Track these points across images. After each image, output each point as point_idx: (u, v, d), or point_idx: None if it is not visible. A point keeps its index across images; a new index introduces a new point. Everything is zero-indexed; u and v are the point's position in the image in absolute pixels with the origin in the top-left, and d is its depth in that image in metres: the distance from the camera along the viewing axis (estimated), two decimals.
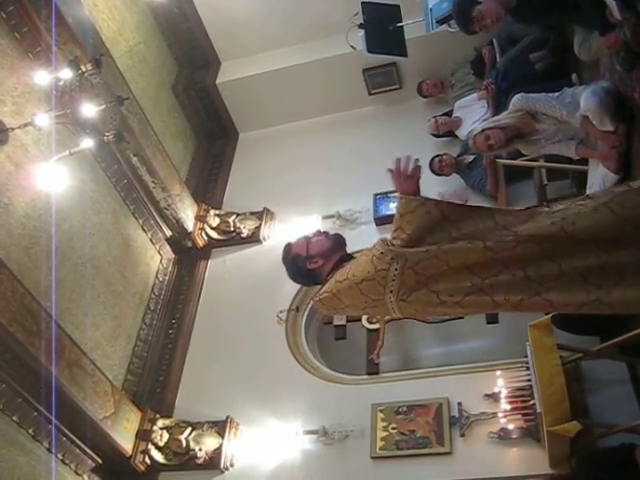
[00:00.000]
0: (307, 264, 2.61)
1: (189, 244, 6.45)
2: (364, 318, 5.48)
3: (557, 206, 2.19)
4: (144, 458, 4.85)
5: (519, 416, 4.37)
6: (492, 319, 5.16)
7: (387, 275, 2.20)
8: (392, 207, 6.08)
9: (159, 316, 5.98)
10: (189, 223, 6.35)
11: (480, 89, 5.95)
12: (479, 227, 2.24)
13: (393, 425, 4.69)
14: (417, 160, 2.41)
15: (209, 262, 6.44)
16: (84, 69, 4.81)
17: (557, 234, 2.10)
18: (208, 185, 7.25)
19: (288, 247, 2.79)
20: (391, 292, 2.22)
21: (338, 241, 2.59)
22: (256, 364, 5.37)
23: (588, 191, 4.20)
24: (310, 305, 5.86)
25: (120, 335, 5.47)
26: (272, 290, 5.83)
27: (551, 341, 4.03)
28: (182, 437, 4.91)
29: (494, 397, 4.55)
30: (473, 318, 5.24)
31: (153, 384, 5.54)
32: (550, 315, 4.08)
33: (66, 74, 4.74)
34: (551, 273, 2.10)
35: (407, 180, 2.39)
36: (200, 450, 4.87)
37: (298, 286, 5.84)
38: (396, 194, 2.47)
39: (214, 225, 6.47)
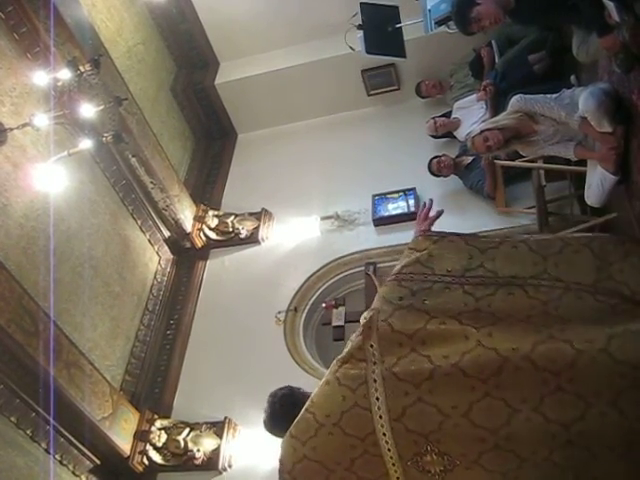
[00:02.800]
0: (301, 390, 2.19)
1: (187, 245, 6.45)
2: (362, 318, 5.45)
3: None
4: (142, 459, 4.85)
5: None
6: None
7: (363, 345, 1.79)
8: (390, 208, 6.09)
9: (157, 317, 5.97)
10: (187, 224, 6.34)
11: (479, 90, 5.96)
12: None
13: None
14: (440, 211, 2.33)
15: (207, 263, 6.44)
16: (83, 69, 4.80)
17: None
18: (207, 186, 7.25)
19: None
20: (380, 417, 1.74)
21: None
22: (254, 365, 5.36)
23: (586, 192, 4.21)
24: (309, 306, 5.86)
25: (118, 336, 5.46)
26: (270, 291, 5.84)
27: None
28: (180, 438, 4.90)
29: None
30: None
31: (151, 385, 5.54)
32: None
33: (65, 74, 4.73)
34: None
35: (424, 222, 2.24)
36: (198, 451, 4.87)
37: (296, 287, 5.86)
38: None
39: (212, 226, 6.47)
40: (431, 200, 2.38)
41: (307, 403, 1.90)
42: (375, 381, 1.74)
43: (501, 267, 1.89)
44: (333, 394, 1.80)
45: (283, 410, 2.09)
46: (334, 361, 1.83)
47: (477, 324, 1.73)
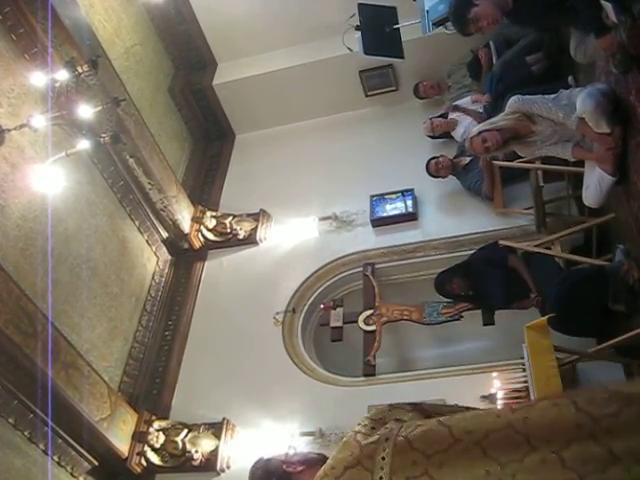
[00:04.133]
0: (283, 465, 2.10)
1: (185, 246, 6.44)
2: (361, 319, 5.48)
3: None
4: (140, 460, 4.84)
5: None
6: (488, 321, 5.17)
7: (374, 455, 1.63)
8: (389, 209, 6.09)
9: (155, 318, 5.97)
10: (185, 225, 6.34)
11: (476, 91, 5.98)
12: None
13: None
14: None
15: (205, 264, 6.43)
16: (80, 70, 4.80)
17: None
18: (204, 186, 7.24)
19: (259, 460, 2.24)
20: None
21: (324, 458, 1.96)
22: (252, 366, 5.37)
23: (584, 192, 4.22)
24: (307, 306, 5.86)
25: (116, 337, 5.46)
26: (269, 291, 5.84)
27: (547, 343, 4.02)
28: (178, 439, 4.90)
29: (490, 398, 4.55)
30: (470, 320, 5.26)
31: (149, 386, 5.54)
32: (547, 317, 4.08)
33: (62, 75, 4.73)
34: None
35: None
36: (196, 452, 4.86)
37: (295, 288, 5.86)
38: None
39: (210, 227, 6.46)
40: None
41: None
42: (384, 454, 1.63)
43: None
44: (345, 447, 1.73)
45: None
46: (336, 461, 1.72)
47: (502, 457, 1.52)
